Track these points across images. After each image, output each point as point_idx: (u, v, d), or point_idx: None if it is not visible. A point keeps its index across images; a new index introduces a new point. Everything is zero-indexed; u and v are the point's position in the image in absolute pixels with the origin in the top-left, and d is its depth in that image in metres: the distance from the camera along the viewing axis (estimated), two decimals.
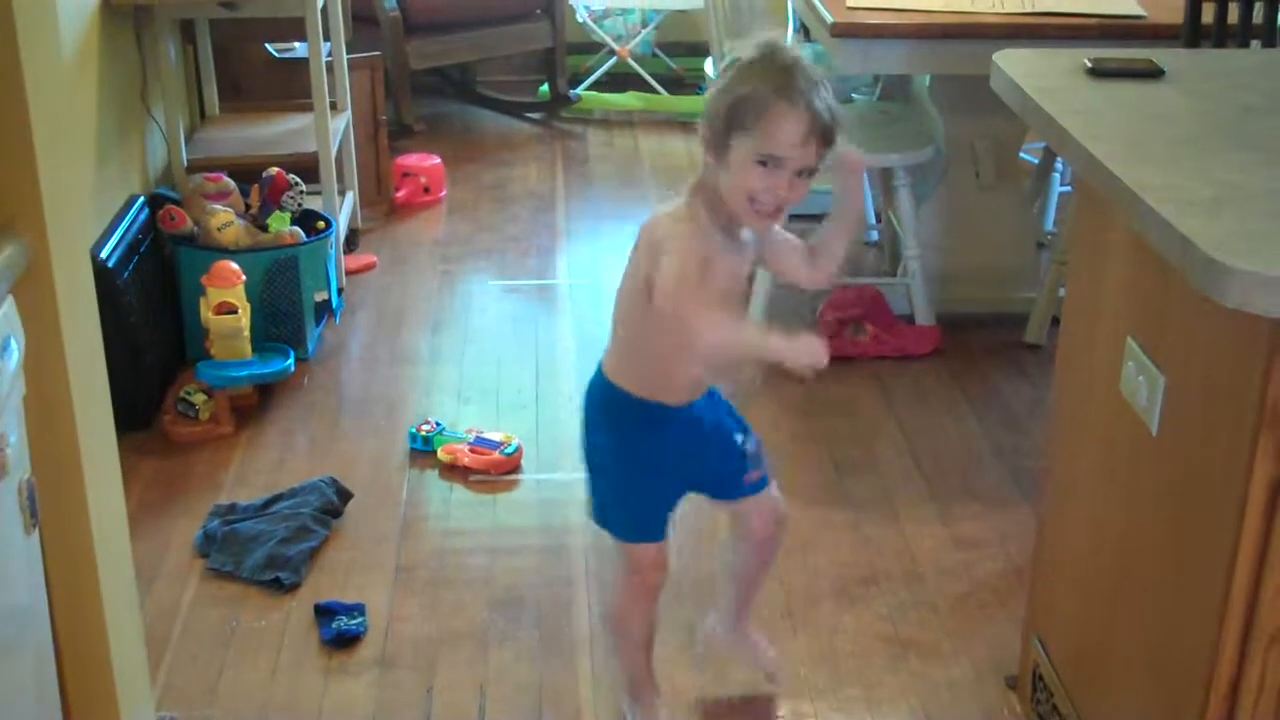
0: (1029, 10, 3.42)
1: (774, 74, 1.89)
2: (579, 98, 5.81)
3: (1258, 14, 3.05)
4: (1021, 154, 4.05)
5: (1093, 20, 3.34)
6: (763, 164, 1.90)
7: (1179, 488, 1.74)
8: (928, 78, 3.93)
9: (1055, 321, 3.58)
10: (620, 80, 5.92)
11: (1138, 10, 3.39)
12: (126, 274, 3.26)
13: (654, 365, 2.11)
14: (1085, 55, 2.20)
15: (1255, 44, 3.06)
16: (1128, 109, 2.00)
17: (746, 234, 2.04)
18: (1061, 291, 3.36)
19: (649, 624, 2.30)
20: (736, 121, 1.90)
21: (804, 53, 1.95)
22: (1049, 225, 4.23)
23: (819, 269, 2.14)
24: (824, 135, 1.91)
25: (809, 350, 1.91)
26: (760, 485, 2.28)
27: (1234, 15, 3.02)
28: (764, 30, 2.03)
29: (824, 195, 4.65)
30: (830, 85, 1.93)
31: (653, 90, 5.81)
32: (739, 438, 2.24)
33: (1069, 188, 4.16)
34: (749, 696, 2.47)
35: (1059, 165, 4.20)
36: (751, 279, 2.17)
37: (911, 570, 2.81)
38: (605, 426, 2.18)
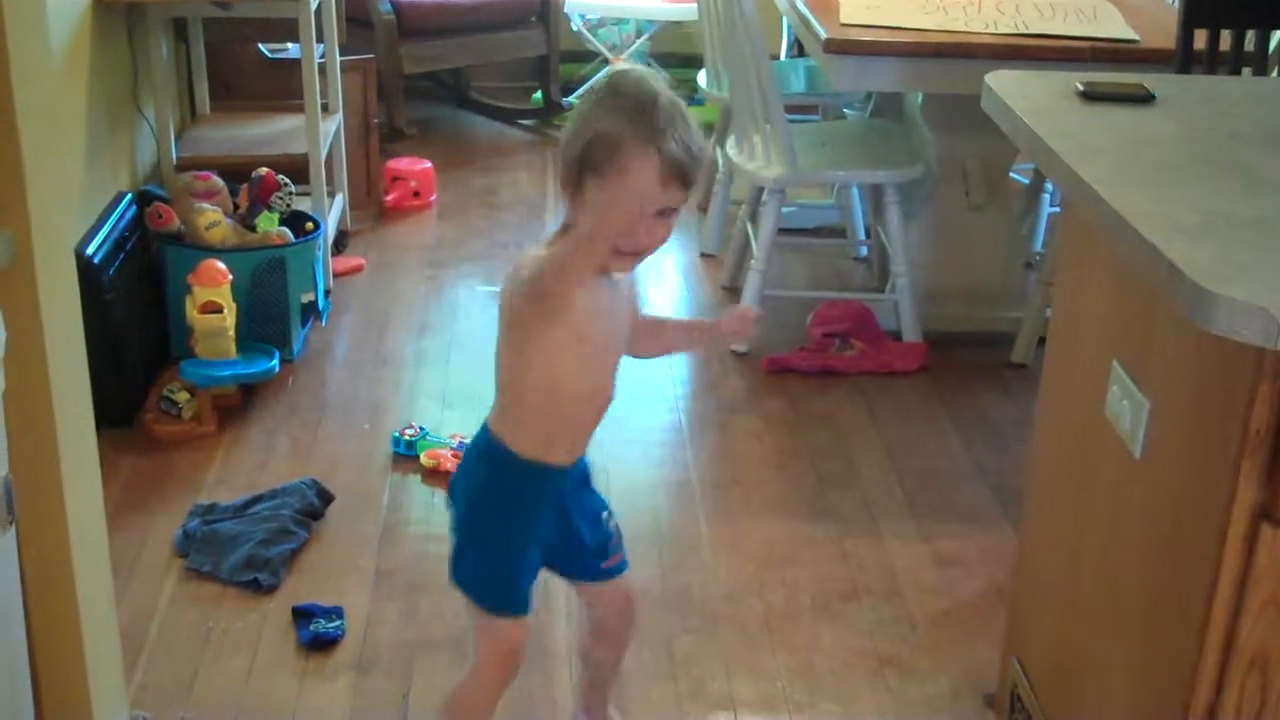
0: (1022, 31, 3.43)
1: (628, 112, 1.79)
2: (572, 105, 5.81)
3: (1249, 42, 3.06)
4: (1012, 174, 4.07)
5: (1085, 43, 3.36)
6: (617, 208, 1.79)
7: (1161, 512, 1.74)
8: (920, 96, 3.94)
9: (1041, 342, 3.58)
10: None
11: (1130, 34, 3.41)
12: (112, 271, 3.25)
13: (544, 414, 1.98)
14: (1077, 78, 2.20)
15: (1246, 72, 3.07)
16: (1118, 133, 2.00)
17: (622, 279, 1.97)
18: (1048, 312, 3.37)
19: (492, 712, 2.17)
20: (590, 164, 1.79)
21: (661, 83, 1.84)
22: (1037, 246, 4.24)
23: (639, 346, 2.05)
24: (681, 178, 1.80)
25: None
26: (619, 569, 2.16)
27: (1226, 42, 3.03)
28: (627, 62, 1.91)
29: (818, 209, 4.66)
30: (688, 121, 1.82)
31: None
32: (604, 514, 2.13)
33: (1058, 209, 4.17)
34: None
35: (1048, 186, 4.21)
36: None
37: (891, 587, 2.81)
38: (490, 489, 2.02)
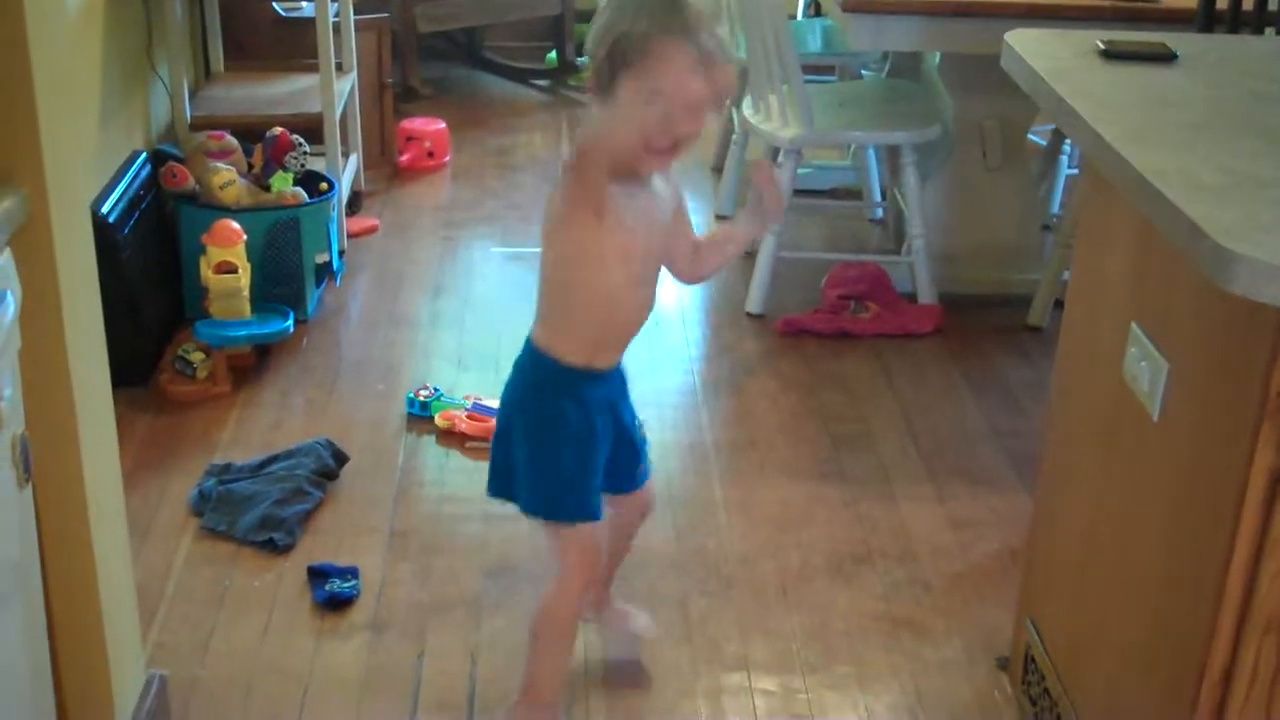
0: None
1: (654, 7, 1.83)
2: (586, 65, 5.78)
3: (1273, 1, 3.03)
4: (1029, 135, 4.04)
5: (1106, 2, 3.32)
6: (652, 102, 1.83)
7: (1179, 474, 1.73)
8: (937, 56, 3.91)
9: (1058, 304, 3.57)
10: None
11: None
12: (127, 230, 3.25)
13: (589, 318, 2.02)
14: (1098, 37, 2.18)
15: (1269, 31, 3.04)
16: (1139, 92, 1.98)
17: (659, 183, 2.00)
18: (1065, 275, 3.35)
19: (574, 637, 2.25)
20: (622, 59, 1.82)
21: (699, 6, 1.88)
22: (1055, 208, 4.22)
23: (697, 264, 2.11)
24: (709, 66, 1.84)
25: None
26: (645, 477, 2.26)
27: (1249, 1, 3.00)
28: None
29: (834, 171, 4.64)
30: (713, 22, 1.87)
31: None
32: (638, 422, 2.20)
33: (1076, 170, 4.14)
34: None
35: (1066, 147, 4.18)
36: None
37: (906, 549, 2.80)
38: (541, 402, 2.06)
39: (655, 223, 2.01)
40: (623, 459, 2.16)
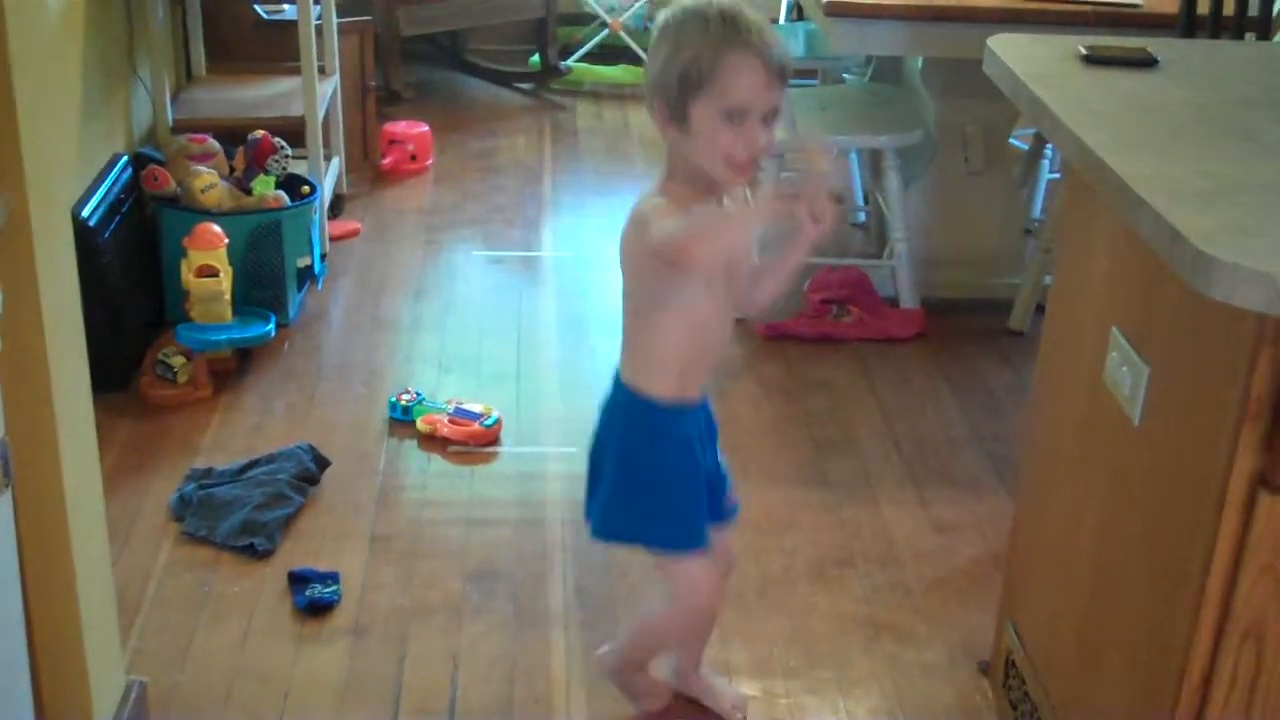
0: None
1: (715, 27, 1.85)
2: (569, 69, 5.78)
3: (1253, 6, 3.04)
4: (1011, 140, 4.05)
5: (1088, 7, 3.33)
6: (729, 119, 1.85)
7: (1159, 479, 1.74)
8: (920, 60, 3.92)
9: (1040, 309, 3.58)
10: (611, 53, 5.89)
11: None
12: (107, 233, 3.23)
13: (679, 353, 2.02)
14: (1080, 42, 2.19)
15: (1250, 36, 3.05)
16: (1121, 98, 1.99)
17: (729, 206, 2.00)
18: (1047, 279, 3.36)
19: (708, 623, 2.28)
20: (692, 85, 1.85)
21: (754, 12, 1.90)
22: (1036, 212, 4.23)
23: (757, 292, 2.06)
24: (781, 74, 1.87)
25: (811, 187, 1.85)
26: (734, 512, 2.24)
27: (1229, 6, 3.01)
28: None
29: None
30: (775, 36, 1.88)
31: (644, 64, 5.77)
32: (721, 461, 2.19)
33: (1057, 175, 4.15)
34: None
35: (1048, 152, 4.19)
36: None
37: (888, 553, 2.81)
38: (642, 440, 2.08)
39: (729, 252, 2.00)
40: (716, 486, 2.17)
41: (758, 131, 1.87)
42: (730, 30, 1.84)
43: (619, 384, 2.09)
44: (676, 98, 1.87)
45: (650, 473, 2.09)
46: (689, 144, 1.90)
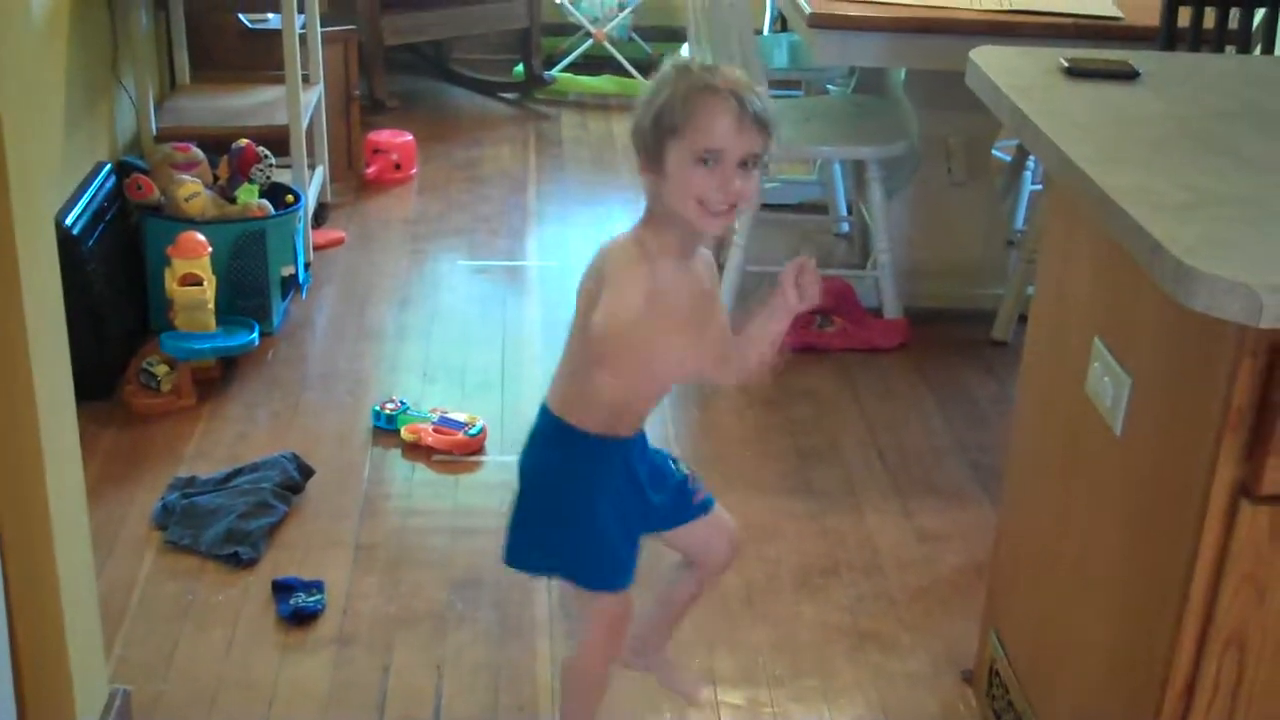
0: (1007, 8, 3.43)
1: (693, 74, 1.84)
2: (554, 79, 5.79)
3: (1233, 19, 3.06)
4: (994, 151, 4.07)
5: (1070, 20, 3.35)
6: (703, 162, 1.80)
7: (1141, 489, 1.75)
8: (903, 72, 3.93)
9: (1022, 319, 3.59)
10: (596, 63, 5.90)
11: (1114, 12, 3.40)
12: (91, 242, 3.23)
13: (613, 395, 1.96)
14: (1062, 54, 2.20)
15: (1230, 49, 3.07)
16: (1102, 110, 2.00)
17: (700, 265, 1.96)
18: (1030, 290, 3.37)
19: (603, 692, 2.23)
20: (665, 126, 1.81)
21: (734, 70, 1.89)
22: (1019, 223, 4.24)
23: (740, 361, 1.97)
24: (757, 121, 1.82)
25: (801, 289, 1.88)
26: (709, 503, 2.18)
27: (1210, 20, 3.03)
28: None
29: (800, 185, 4.64)
30: (756, 90, 1.85)
31: (628, 74, 5.80)
32: (673, 464, 2.16)
33: (1040, 186, 4.17)
34: None
35: (1030, 163, 4.21)
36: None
37: (872, 563, 2.81)
38: (565, 471, 2.03)
39: (692, 299, 1.95)
40: (669, 495, 2.13)
41: (733, 177, 1.82)
42: (706, 76, 1.83)
43: (544, 411, 2.03)
44: (652, 142, 1.84)
45: (571, 504, 2.04)
46: (665, 188, 1.85)
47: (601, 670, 2.19)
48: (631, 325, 1.79)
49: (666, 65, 1.89)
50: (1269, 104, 2.10)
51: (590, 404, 1.98)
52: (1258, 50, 3.19)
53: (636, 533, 2.09)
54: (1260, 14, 3.16)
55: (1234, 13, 3.06)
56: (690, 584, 2.26)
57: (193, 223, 3.43)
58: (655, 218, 1.89)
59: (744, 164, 1.83)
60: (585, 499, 2.03)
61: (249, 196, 3.58)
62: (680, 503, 2.15)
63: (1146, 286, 1.65)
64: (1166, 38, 3.09)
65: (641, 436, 2.09)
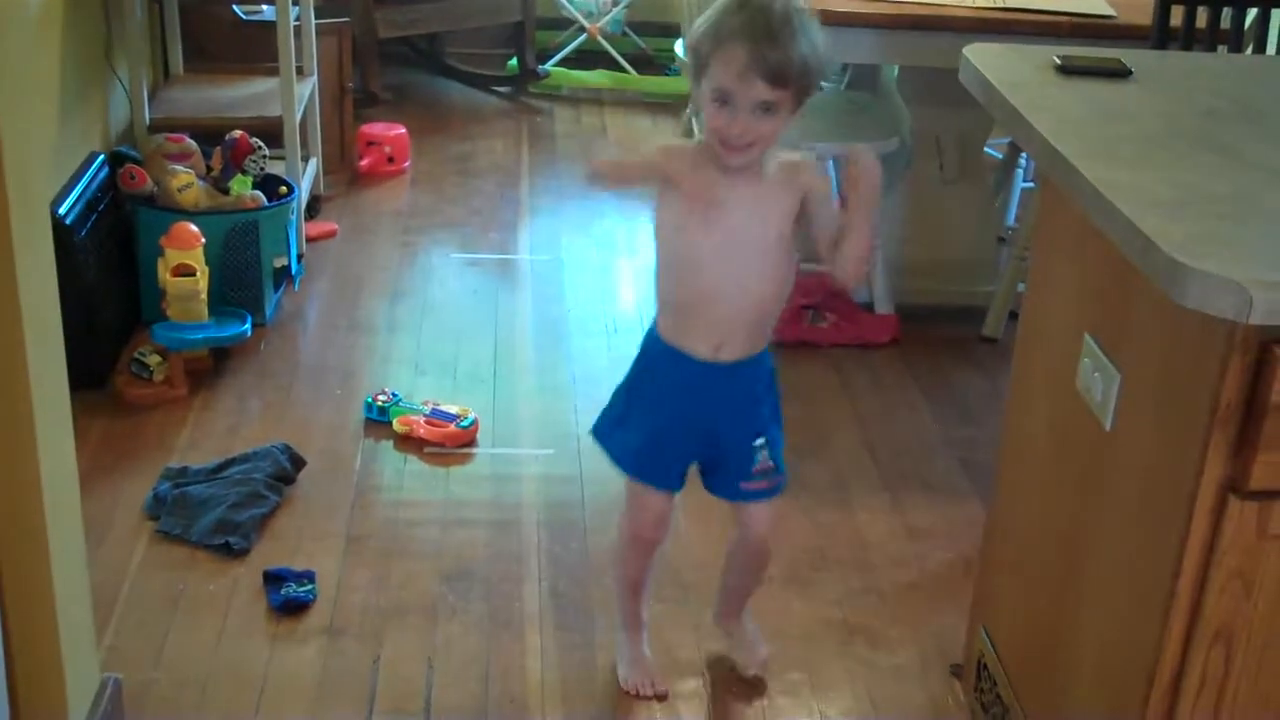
0: (1000, 5, 3.43)
1: (742, 11, 1.93)
2: (547, 73, 5.78)
3: (1225, 19, 3.08)
4: (986, 149, 4.07)
5: (1063, 18, 3.36)
6: (719, 100, 1.94)
7: (1130, 484, 1.76)
8: (896, 68, 3.94)
9: (1013, 316, 3.60)
10: (589, 58, 5.90)
11: (1107, 10, 3.41)
12: (84, 232, 3.23)
13: (668, 296, 2.15)
14: (1055, 52, 2.21)
15: (1222, 49, 3.08)
16: (1094, 108, 2.01)
17: (771, 179, 2.05)
18: (1020, 286, 3.39)
19: (640, 574, 2.36)
20: (698, 59, 1.97)
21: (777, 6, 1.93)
22: (1010, 220, 4.26)
23: (836, 267, 2.06)
24: (770, 72, 1.90)
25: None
26: (751, 496, 2.25)
27: (1202, 19, 3.04)
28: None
29: None
30: (794, 24, 1.91)
31: (622, 69, 5.79)
32: (758, 441, 2.21)
33: (1031, 183, 4.18)
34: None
35: (1022, 161, 4.22)
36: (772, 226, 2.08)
37: (862, 557, 2.82)
38: (636, 362, 2.23)
39: (742, 216, 2.05)
40: (731, 463, 2.23)
41: (747, 118, 1.94)
42: (748, 17, 1.91)
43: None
44: (692, 68, 1.99)
45: (624, 384, 2.25)
46: (703, 120, 2.02)
47: (629, 564, 2.37)
48: (618, 170, 2.11)
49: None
50: (1260, 103, 2.11)
51: (660, 303, 2.17)
52: (1250, 50, 3.20)
53: (675, 447, 2.22)
54: (1252, 14, 3.18)
55: (1226, 12, 3.07)
56: (731, 569, 2.43)
57: (186, 213, 3.43)
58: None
59: (759, 109, 1.93)
60: (632, 380, 2.23)
61: (242, 188, 3.58)
62: (729, 477, 2.24)
63: (1137, 283, 1.67)
64: (1159, 37, 3.10)
65: (740, 377, 2.16)
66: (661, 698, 2.39)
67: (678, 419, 2.19)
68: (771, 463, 2.23)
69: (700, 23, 1.98)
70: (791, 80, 1.92)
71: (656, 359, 2.18)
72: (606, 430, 2.29)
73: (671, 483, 2.26)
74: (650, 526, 2.29)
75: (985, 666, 2.30)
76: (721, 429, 2.20)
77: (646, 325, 2.22)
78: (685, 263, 2.09)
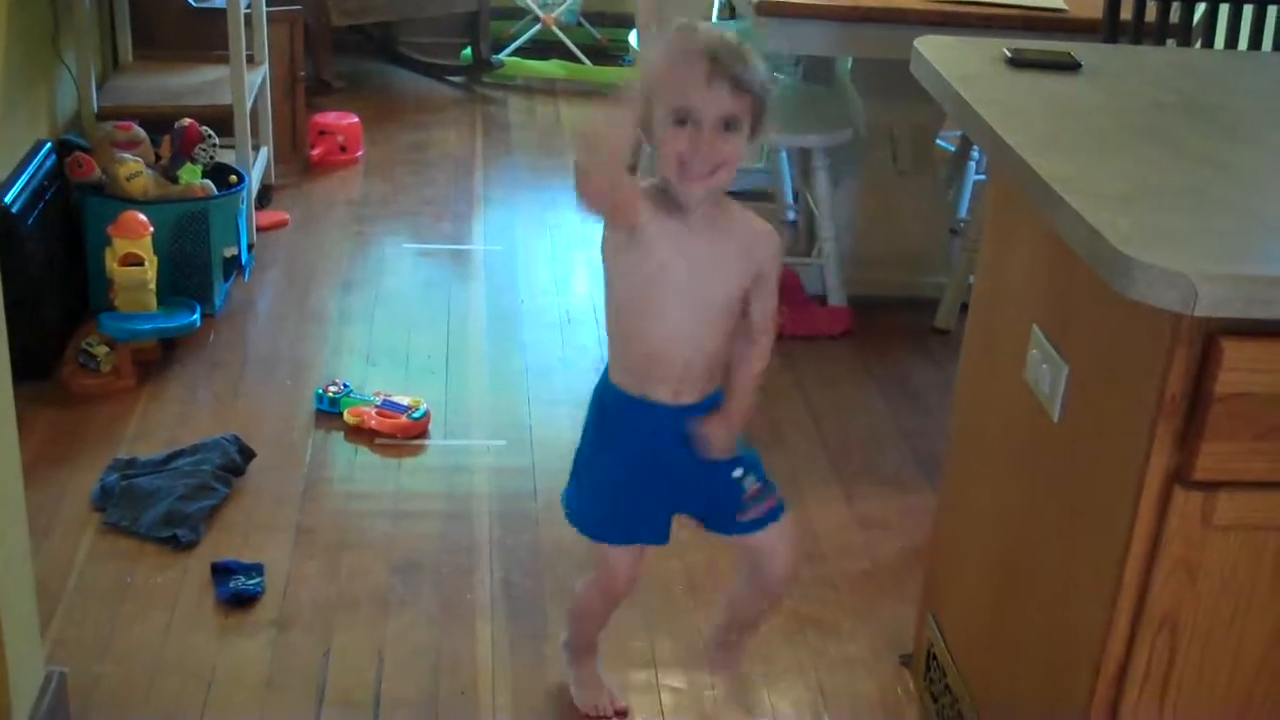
0: None
1: (674, 38, 1.89)
2: (502, 63, 5.77)
3: (1175, 13, 3.10)
4: (938, 141, 4.09)
5: (1015, 11, 3.38)
6: (680, 123, 1.85)
7: (1077, 475, 1.77)
8: (849, 60, 3.95)
9: (965, 308, 3.59)
10: (544, 48, 5.88)
11: (1058, 4, 3.43)
12: (31, 221, 3.19)
13: (626, 345, 2.04)
14: (1005, 45, 2.22)
15: (1171, 43, 3.11)
16: (1044, 100, 2.02)
17: (729, 229, 1.98)
18: (972, 278, 3.40)
19: (606, 619, 2.31)
20: (650, 89, 1.86)
21: (728, 33, 1.92)
22: (962, 212, 4.28)
23: (740, 363, 2.08)
24: (733, 82, 1.84)
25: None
26: (754, 526, 2.15)
27: (1152, 13, 3.06)
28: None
29: (747, 173, 4.64)
30: (742, 50, 1.88)
31: (576, 59, 5.78)
32: (736, 472, 2.12)
33: (983, 176, 4.20)
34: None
35: (975, 153, 4.24)
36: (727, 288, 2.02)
37: (814, 549, 2.83)
38: (591, 420, 2.12)
39: (700, 264, 1.96)
40: (719, 503, 2.13)
41: (710, 137, 1.85)
42: (690, 38, 1.87)
43: (604, 371, 2.13)
44: (643, 104, 1.87)
45: (583, 450, 2.15)
46: (657, 153, 1.90)
47: (591, 613, 2.30)
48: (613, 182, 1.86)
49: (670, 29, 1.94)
50: (1208, 96, 2.13)
51: (614, 355, 2.07)
52: (1198, 44, 3.23)
53: (652, 504, 2.12)
54: (1201, 8, 3.20)
55: (1175, 7, 3.09)
56: (746, 593, 2.29)
57: (134, 202, 3.39)
58: (659, 183, 1.95)
59: (726, 126, 1.86)
60: (594, 446, 2.13)
61: (191, 177, 3.55)
62: (722, 511, 2.15)
63: (1084, 275, 1.67)
64: (1109, 30, 3.12)
65: (683, 412, 2.05)
66: (621, 714, 2.36)
67: (646, 467, 2.08)
68: (759, 484, 2.14)
69: (652, 57, 1.94)
70: (753, 89, 1.87)
71: (618, 409, 2.07)
72: (576, 507, 2.18)
73: (653, 536, 2.16)
74: (624, 584, 2.21)
75: (934, 656, 2.31)
76: (695, 470, 2.09)
77: (599, 321, 2.18)
78: (647, 312, 1.99)
